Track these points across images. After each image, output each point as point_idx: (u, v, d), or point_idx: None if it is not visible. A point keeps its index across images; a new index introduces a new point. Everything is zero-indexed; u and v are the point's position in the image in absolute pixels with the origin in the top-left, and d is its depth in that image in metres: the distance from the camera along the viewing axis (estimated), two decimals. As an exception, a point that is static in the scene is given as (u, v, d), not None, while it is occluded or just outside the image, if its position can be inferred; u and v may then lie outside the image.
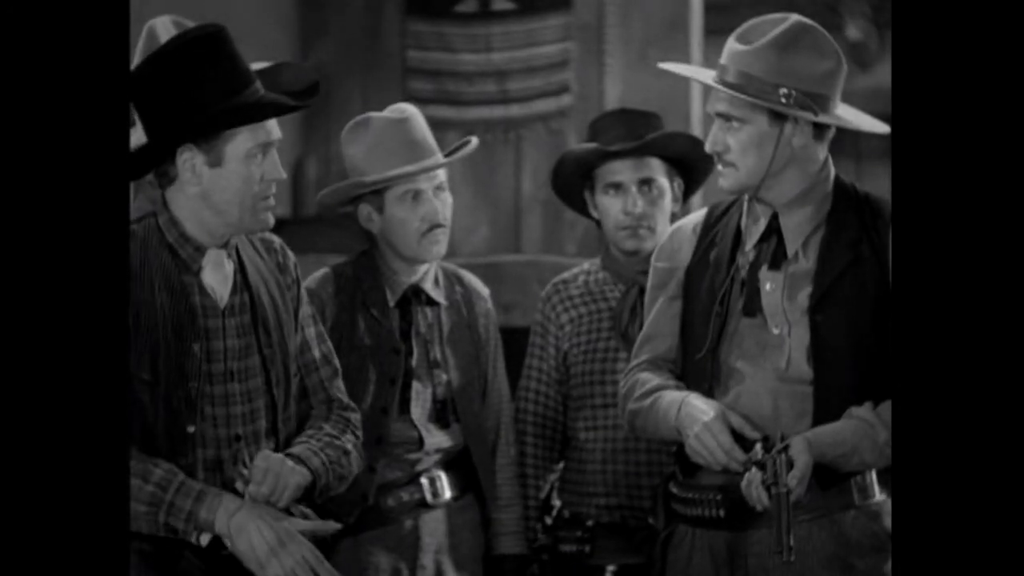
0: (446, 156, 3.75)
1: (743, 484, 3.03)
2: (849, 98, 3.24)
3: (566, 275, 3.99)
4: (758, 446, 3.03)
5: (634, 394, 3.25)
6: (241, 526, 2.85)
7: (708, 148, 3.18)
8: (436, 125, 4.44)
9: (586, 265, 4.00)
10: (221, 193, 2.93)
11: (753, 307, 3.16)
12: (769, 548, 2.95)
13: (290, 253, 3.15)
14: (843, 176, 3.24)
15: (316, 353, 3.16)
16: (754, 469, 3.00)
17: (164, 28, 3.34)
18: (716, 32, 3.31)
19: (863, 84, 7.34)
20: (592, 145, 3.86)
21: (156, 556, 2.88)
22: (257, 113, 2.92)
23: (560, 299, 3.92)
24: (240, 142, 2.91)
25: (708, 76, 3.18)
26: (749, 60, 3.09)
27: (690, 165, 3.86)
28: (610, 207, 3.84)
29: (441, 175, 3.71)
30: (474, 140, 3.80)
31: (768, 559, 3.07)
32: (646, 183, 3.81)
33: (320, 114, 6.02)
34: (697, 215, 3.36)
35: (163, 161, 2.92)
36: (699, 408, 3.10)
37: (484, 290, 3.87)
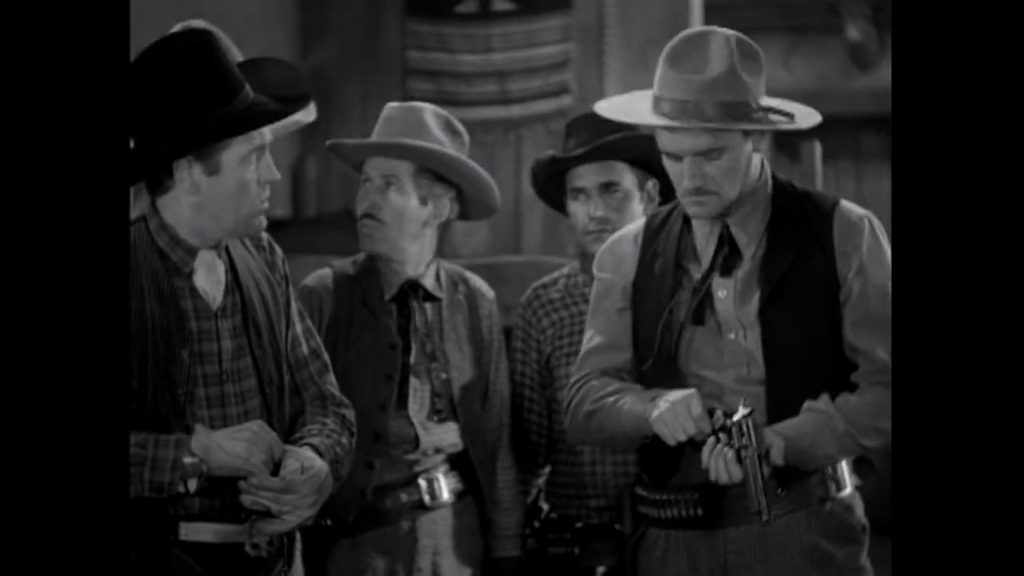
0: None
1: (703, 453, 3.01)
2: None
3: (545, 279, 3.96)
4: (719, 412, 3.02)
5: (590, 398, 3.21)
6: (210, 445, 2.85)
7: (688, 185, 3.11)
8: (436, 125, 4.42)
9: (565, 269, 3.97)
10: (219, 200, 2.92)
11: (702, 315, 3.15)
12: (750, 513, 2.95)
13: (278, 249, 3.14)
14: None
15: (305, 349, 3.15)
16: (713, 439, 3.00)
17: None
18: (716, 32, 3.27)
19: (863, 84, 7.34)
20: (549, 153, 3.85)
21: (144, 564, 2.85)
22: (253, 122, 2.91)
23: (540, 303, 3.90)
24: (236, 149, 2.91)
25: (649, 113, 3.10)
26: (721, 88, 3.05)
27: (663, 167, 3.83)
28: (577, 212, 3.82)
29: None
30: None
31: (749, 555, 3.08)
32: (608, 187, 3.78)
33: (320, 114, 6.01)
34: (636, 225, 3.34)
35: (158, 172, 2.92)
36: (675, 395, 3.07)
37: (489, 292, 3.85)
